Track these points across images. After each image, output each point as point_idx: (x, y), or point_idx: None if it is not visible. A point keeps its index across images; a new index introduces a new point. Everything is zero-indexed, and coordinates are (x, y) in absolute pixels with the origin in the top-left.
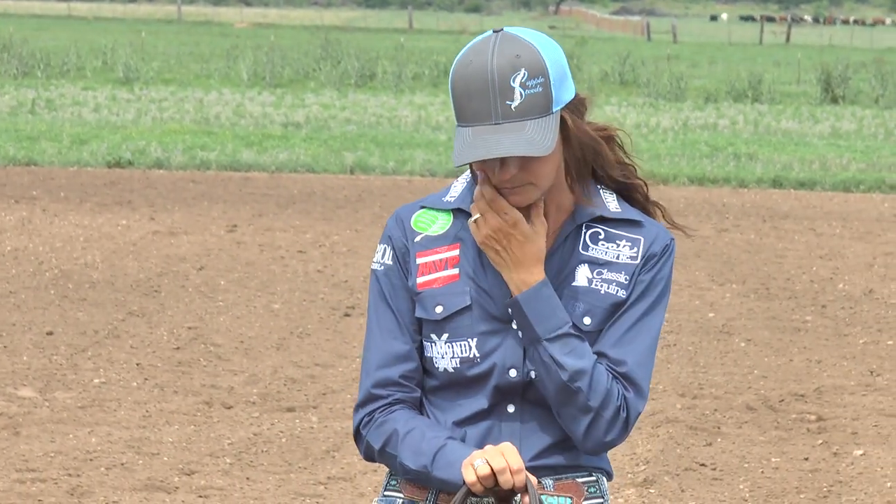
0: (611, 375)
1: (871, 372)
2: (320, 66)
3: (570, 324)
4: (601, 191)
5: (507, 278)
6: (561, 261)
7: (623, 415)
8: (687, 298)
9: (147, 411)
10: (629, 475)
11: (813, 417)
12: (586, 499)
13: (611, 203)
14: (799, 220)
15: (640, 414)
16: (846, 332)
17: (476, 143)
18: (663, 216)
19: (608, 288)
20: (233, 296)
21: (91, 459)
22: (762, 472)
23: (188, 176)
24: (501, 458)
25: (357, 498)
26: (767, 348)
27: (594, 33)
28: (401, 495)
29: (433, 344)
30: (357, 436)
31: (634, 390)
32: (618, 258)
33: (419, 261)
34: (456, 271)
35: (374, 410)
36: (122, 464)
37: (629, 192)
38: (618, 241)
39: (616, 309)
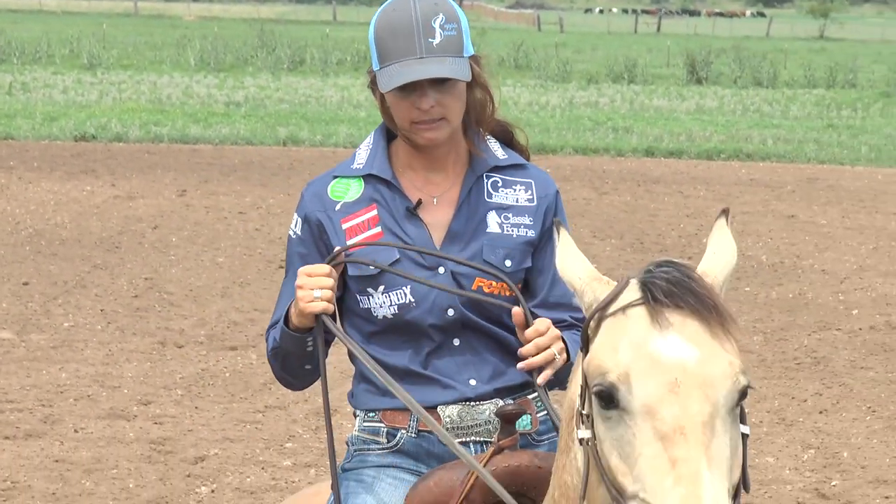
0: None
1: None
2: (257, 53)
3: (562, 345)
4: (487, 139)
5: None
6: (472, 210)
7: None
8: None
9: (110, 350)
10: None
11: None
12: (537, 412)
13: (497, 151)
14: (669, 184)
15: None
16: None
17: (405, 71)
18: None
19: (518, 231)
20: (183, 251)
21: (62, 392)
22: None
23: (144, 148)
24: (320, 277)
25: (290, 424)
26: None
27: (492, 25)
28: (382, 425)
29: (370, 297)
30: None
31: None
32: (517, 201)
33: (345, 226)
34: (379, 229)
35: None
36: (89, 395)
37: (506, 136)
38: (514, 187)
39: (528, 247)
